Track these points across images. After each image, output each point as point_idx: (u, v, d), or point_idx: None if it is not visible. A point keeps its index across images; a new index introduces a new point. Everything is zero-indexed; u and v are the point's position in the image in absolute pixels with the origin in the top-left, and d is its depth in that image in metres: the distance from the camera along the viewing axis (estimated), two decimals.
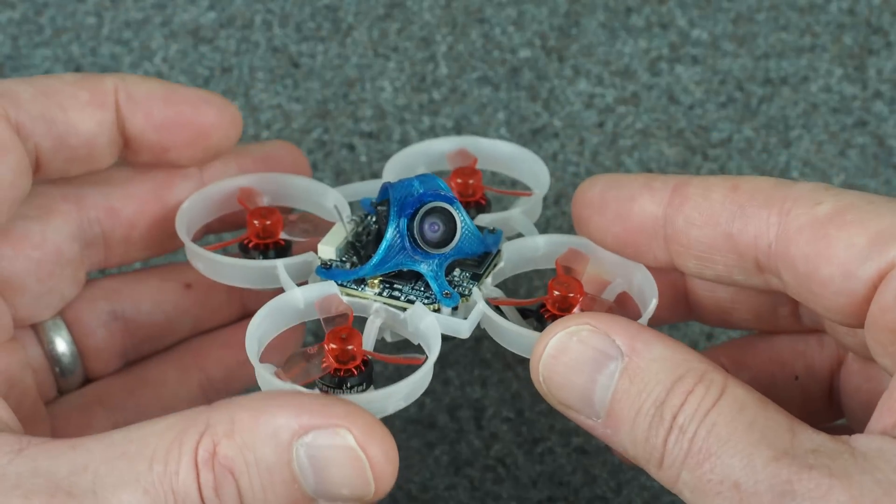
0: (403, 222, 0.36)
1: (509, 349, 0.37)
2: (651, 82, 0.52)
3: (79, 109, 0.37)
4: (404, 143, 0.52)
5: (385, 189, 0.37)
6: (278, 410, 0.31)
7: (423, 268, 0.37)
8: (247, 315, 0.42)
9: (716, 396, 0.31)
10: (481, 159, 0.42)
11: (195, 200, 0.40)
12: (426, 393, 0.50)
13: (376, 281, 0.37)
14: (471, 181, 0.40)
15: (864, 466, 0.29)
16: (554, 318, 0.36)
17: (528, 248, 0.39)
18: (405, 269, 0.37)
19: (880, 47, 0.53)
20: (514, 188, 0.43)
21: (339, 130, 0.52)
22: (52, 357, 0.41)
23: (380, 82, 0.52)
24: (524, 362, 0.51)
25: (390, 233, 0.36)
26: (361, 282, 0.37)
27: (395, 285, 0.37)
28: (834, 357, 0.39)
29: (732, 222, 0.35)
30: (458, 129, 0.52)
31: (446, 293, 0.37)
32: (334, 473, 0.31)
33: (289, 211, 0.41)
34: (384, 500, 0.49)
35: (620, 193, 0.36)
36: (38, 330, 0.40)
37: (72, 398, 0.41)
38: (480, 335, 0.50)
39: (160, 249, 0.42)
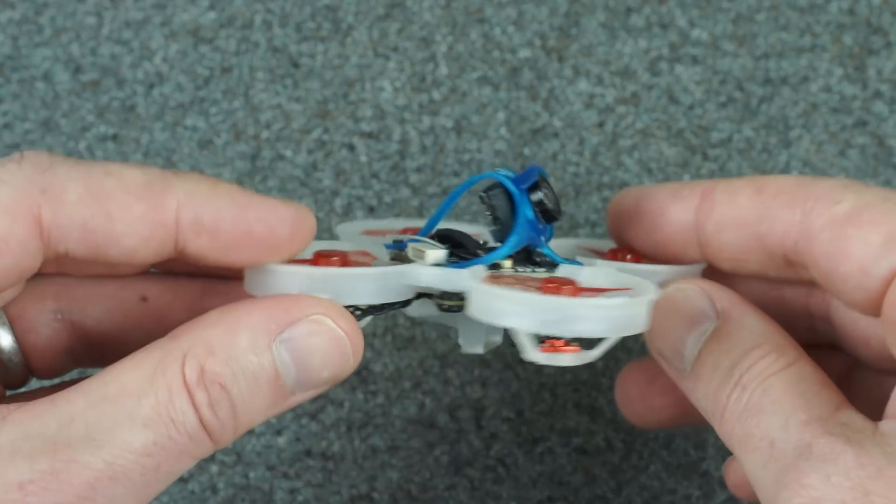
0: (527, 197, 0.37)
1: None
2: (651, 82, 0.52)
3: (128, 224, 0.34)
4: (404, 143, 0.52)
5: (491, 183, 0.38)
6: (249, 319, 0.33)
7: (542, 241, 0.38)
8: None
9: (783, 366, 0.35)
10: None
11: None
12: (426, 393, 0.50)
13: (507, 263, 0.37)
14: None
15: (878, 440, 0.32)
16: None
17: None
18: (525, 247, 0.37)
19: (880, 47, 0.53)
20: None
21: (339, 130, 0.52)
22: None
23: (380, 82, 0.52)
24: (524, 362, 0.51)
25: (525, 209, 0.37)
26: (495, 266, 0.37)
27: (518, 266, 0.38)
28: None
29: (760, 224, 0.37)
30: (458, 130, 0.52)
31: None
32: (317, 359, 0.34)
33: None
34: (385, 500, 0.49)
35: (652, 205, 0.39)
36: None
37: (20, 397, 0.39)
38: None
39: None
